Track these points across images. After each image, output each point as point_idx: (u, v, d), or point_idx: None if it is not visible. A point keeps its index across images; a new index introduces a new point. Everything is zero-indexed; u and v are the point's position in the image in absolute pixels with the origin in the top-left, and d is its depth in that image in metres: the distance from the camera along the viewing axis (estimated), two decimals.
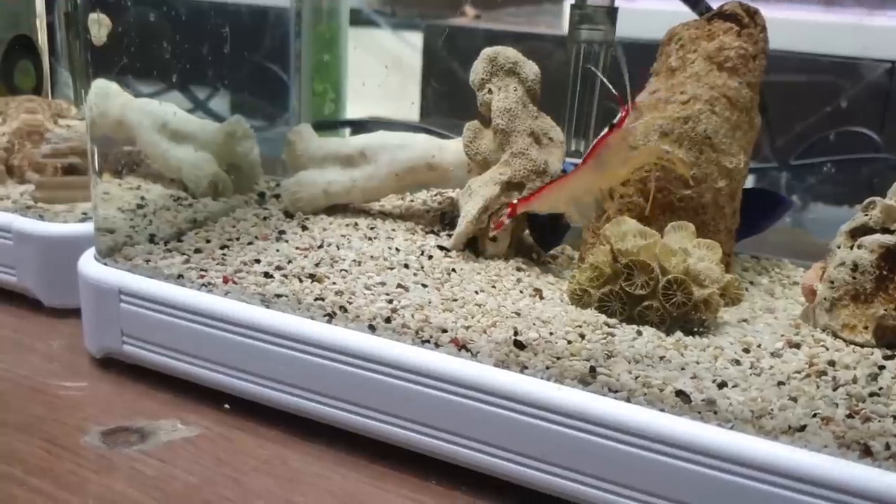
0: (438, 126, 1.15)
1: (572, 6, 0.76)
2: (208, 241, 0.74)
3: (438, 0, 1.62)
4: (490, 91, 0.75)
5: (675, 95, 0.68)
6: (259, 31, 1.07)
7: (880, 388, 0.54)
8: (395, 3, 1.74)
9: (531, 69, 0.75)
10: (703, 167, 0.67)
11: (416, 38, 1.60)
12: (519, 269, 0.72)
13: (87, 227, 0.78)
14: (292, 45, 1.09)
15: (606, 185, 0.63)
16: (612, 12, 0.76)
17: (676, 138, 0.67)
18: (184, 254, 0.72)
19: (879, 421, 0.50)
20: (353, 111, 1.27)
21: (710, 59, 0.68)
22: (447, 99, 1.38)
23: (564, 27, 1.36)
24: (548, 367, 0.56)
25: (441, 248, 0.75)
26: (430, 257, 0.73)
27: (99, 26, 0.73)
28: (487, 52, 0.75)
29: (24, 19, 0.99)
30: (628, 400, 0.54)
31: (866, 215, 0.63)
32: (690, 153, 0.67)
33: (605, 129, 0.62)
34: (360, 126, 1.20)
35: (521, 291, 0.68)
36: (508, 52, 0.75)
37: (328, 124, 1.19)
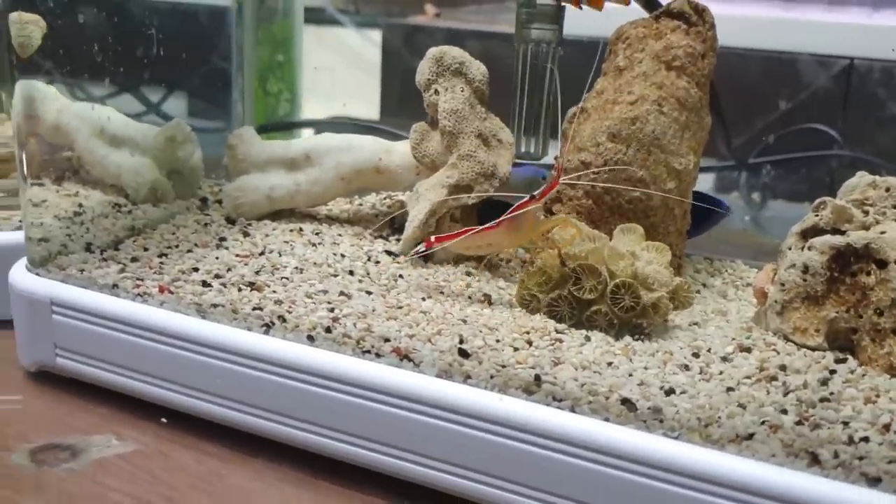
0: (398, 125, 1.13)
1: (519, 5, 0.74)
2: (146, 249, 0.72)
3: None
4: (436, 92, 0.73)
5: (623, 96, 0.67)
6: (202, 31, 1.05)
7: (831, 394, 0.53)
8: (358, 2, 1.72)
9: (478, 69, 0.73)
10: (651, 169, 0.66)
11: (376, 36, 1.59)
12: (468, 274, 0.71)
13: (21, 236, 0.76)
14: (234, 45, 1.06)
15: (516, 245, 0.68)
16: (559, 11, 0.75)
17: (624, 139, 0.66)
18: (120, 262, 0.69)
19: (829, 427, 0.49)
20: (310, 111, 1.25)
21: (657, 59, 0.67)
22: (406, 97, 1.36)
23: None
24: (492, 377, 0.55)
25: (389, 253, 0.73)
26: (377, 263, 0.71)
27: (32, 29, 0.71)
28: (433, 51, 0.73)
29: None
30: (573, 409, 0.52)
31: (817, 216, 0.62)
32: (639, 154, 0.66)
33: (527, 197, 0.63)
34: (312, 126, 1.18)
35: (470, 297, 0.66)
36: (455, 52, 0.73)
37: (279, 126, 1.17)
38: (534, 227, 0.64)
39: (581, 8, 0.71)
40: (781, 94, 1.15)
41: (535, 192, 0.63)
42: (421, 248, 0.67)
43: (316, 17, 1.58)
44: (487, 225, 0.64)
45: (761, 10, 1.30)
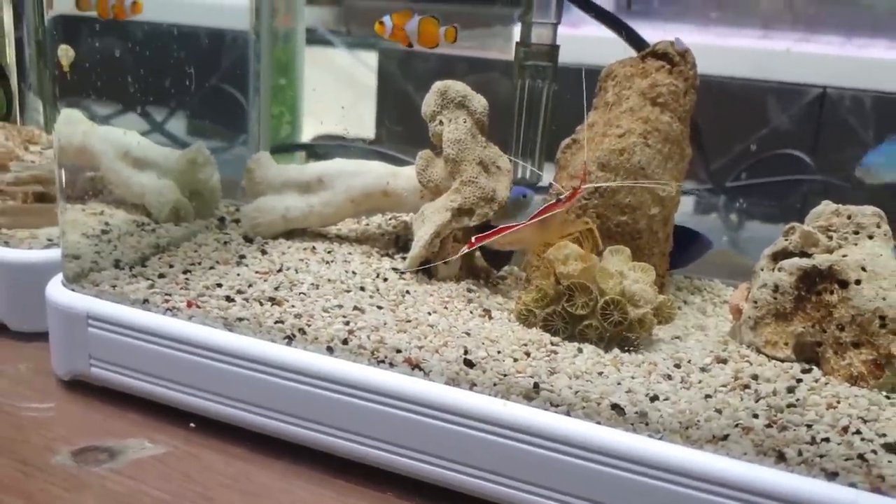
0: (393, 146, 1.19)
1: (517, 44, 0.81)
2: (171, 266, 0.77)
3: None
4: (441, 122, 0.79)
5: (612, 129, 0.73)
6: (218, 54, 1.10)
7: (797, 400, 0.59)
8: (349, 23, 1.77)
9: (479, 102, 0.79)
10: (637, 195, 0.72)
11: (371, 58, 1.64)
12: (469, 291, 0.76)
13: (52, 254, 0.81)
14: (251, 69, 1.12)
15: (546, 240, 0.73)
16: (553, 50, 0.81)
17: (613, 169, 0.72)
18: (148, 279, 0.75)
19: (794, 430, 0.56)
20: (308, 131, 1.31)
21: (643, 95, 0.74)
22: (402, 118, 1.42)
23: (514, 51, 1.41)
24: (495, 384, 0.61)
25: (396, 270, 0.79)
26: (385, 280, 0.76)
27: (66, 57, 0.76)
28: (438, 85, 0.79)
29: None
30: (568, 413, 0.58)
31: (786, 240, 0.69)
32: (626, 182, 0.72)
33: (554, 200, 0.71)
34: (312, 148, 1.23)
35: (472, 312, 0.72)
36: (458, 86, 0.79)
37: (286, 147, 1.22)
38: (562, 228, 0.72)
39: (411, 46, 0.76)
40: (757, 120, 1.21)
41: (562, 196, 0.70)
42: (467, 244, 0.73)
43: (308, 37, 1.64)
44: (520, 223, 0.71)
45: (737, 41, 1.36)
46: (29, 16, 1.00)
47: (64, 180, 0.76)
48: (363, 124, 1.46)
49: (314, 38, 1.66)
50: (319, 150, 1.21)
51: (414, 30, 0.76)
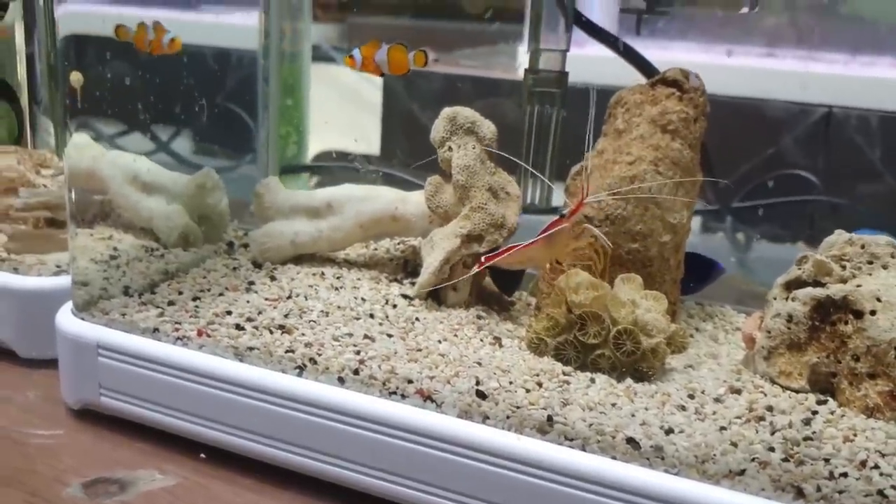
0: (399, 160, 1.19)
1: (526, 70, 0.81)
2: (181, 293, 0.77)
3: (396, 39, 1.66)
4: (450, 148, 0.79)
5: (622, 156, 0.73)
6: (225, 74, 1.10)
7: (813, 433, 0.58)
8: (353, 40, 1.77)
9: (488, 128, 0.79)
10: (648, 223, 0.72)
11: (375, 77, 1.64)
12: (479, 318, 0.76)
13: (61, 281, 0.81)
14: (259, 89, 1.12)
15: (555, 257, 0.73)
16: (563, 77, 0.81)
17: (624, 196, 0.72)
18: (158, 306, 0.74)
19: (812, 464, 0.55)
20: (313, 148, 1.31)
21: (654, 123, 0.73)
22: (408, 135, 1.42)
23: (519, 70, 1.41)
24: (508, 417, 0.60)
25: (405, 296, 0.78)
26: (395, 306, 0.76)
27: (77, 81, 0.76)
28: (447, 111, 0.79)
29: (6, 63, 1.01)
30: (583, 448, 0.58)
31: (800, 269, 0.69)
32: (637, 209, 0.72)
33: (558, 216, 0.70)
34: (320, 170, 1.23)
35: (482, 340, 0.71)
36: (466, 112, 0.79)
37: (295, 169, 1.22)
38: (568, 243, 0.72)
39: (383, 75, 0.78)
40: (762, 140, 1.21)
41: (564, 212, 0.70)
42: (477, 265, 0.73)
43: (313, 54, 1.64)
44: (527, 242, 0.71)
45: (743, 60, 1.36)
46: (41, 32, 1.01)
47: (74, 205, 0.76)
48: (370, 142, 1.46)
49: (318, 55, 1.66)
50: (328, 171, 1.21)
51: (383, 59, 0.77)
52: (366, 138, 1.51)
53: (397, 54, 0.76)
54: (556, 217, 0.71)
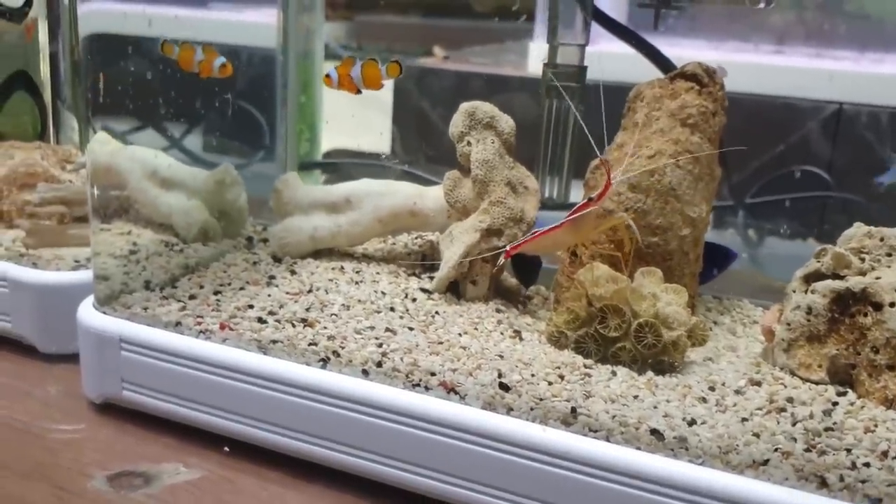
0: (409, 157, 1.19)
1: (545, 65, 0.81)
2: (202, 287, 0.78)
3: (404, 36, 1.67)
4: (469, 143, 0.79)
5: (642, 150, 0.73)
6: (243, 71, 1.10)
7: (834, 423, 0.59)
8: (361, 38, 1.78)
9: (507, 122, 0.80)
10: (668, 216, 0.72)
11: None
12: (498, 311, 0.76)
13: (80, 275, 0.82)
14: (278, 86, 1.12)
15: (579, 241, 0.74)
16: (582, 72, 0.82)
17: (643, 190, 0.72)
18: (179, 300, 0.75)
19: (834, 454, 0.56)
20: (325, 146, 1.31)
21: (673, 116, 0.74)
22: (419, 133, 1.42)
23: (529, 67, 1.42)
24: (532, 409, 0.61)
25: (424, 290, 0.79)
26: (414, 300, 0.77)
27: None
28: (465, 106, 0.80)
29: (30, 60, 1.02)
30: (608, 439, 0.58)
31: (818, 262, 0.69)
32: (657, 203, 0.72)
33: (585, 199, 0.70)
34: (338, 166, 1.24)
35: (502, 333, 0.72)
36: (485, 107, 0.79)
37: (312, 165, 1.23)
38: (595, 227, 0.72)
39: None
40: (773, 137, 1.22)
41: (593, 195, 0.70)
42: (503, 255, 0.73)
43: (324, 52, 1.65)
44: (552, 226, 0.71)
45: (754, 57, 1.37)
46: (65, 30, 1.01)
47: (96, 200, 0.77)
48: (381, 139, 1.46)
49: (327, 54, 1.67)
50: (348, 166, 1.21)
51: (358, 76, 0.79)
52: (376, 136, 1.51)
53: (370, 70, 0.78)
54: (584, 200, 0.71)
